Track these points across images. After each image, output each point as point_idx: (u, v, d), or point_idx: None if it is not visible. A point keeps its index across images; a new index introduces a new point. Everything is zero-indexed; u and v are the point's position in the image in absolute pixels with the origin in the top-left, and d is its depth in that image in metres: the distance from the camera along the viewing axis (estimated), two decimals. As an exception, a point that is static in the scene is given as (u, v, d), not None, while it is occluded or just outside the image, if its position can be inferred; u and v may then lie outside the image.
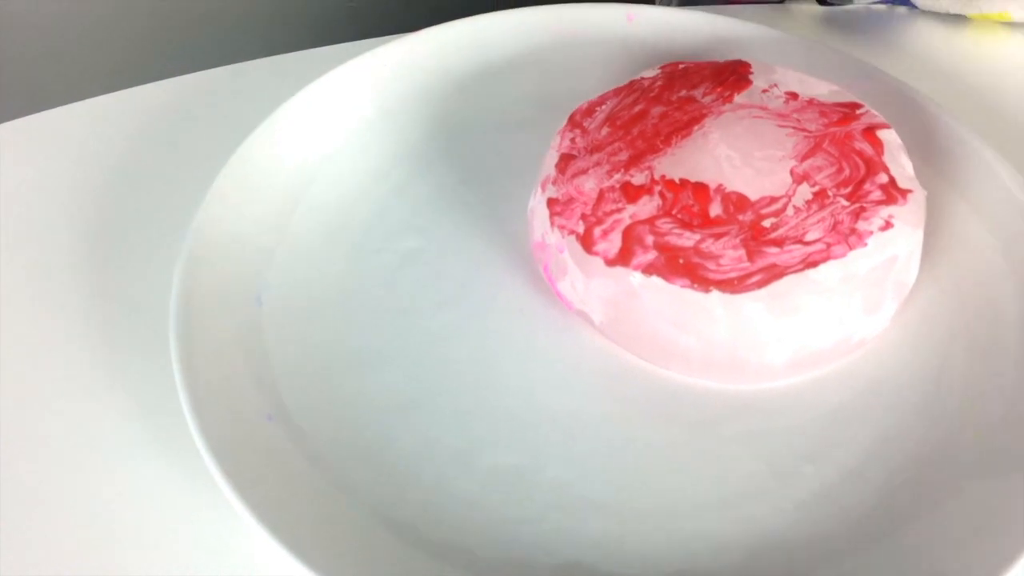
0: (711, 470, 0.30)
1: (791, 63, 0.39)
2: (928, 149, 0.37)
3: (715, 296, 0.30)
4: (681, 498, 0.30)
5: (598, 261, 0.31)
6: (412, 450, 0.30)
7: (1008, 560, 0.26)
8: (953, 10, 0.45)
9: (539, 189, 0.34)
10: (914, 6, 0.45)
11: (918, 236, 0.32)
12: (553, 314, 0.34)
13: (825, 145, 0.33)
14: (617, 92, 0.36)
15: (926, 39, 0.46)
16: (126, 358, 0.33)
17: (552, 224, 0.32)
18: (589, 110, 0.35)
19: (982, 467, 0.29)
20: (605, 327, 0.32)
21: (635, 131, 0.34)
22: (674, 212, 0.31)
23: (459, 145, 0.39)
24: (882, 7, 0.46)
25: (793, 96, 0.35)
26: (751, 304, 0.30)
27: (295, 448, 0.30)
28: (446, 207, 0.37)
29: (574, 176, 0.33)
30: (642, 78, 0.36)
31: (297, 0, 0.79)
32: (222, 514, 0.28)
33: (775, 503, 0.29)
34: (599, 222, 0.31)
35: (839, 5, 0.45)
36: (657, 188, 0.32)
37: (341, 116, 0.39)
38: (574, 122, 0.35)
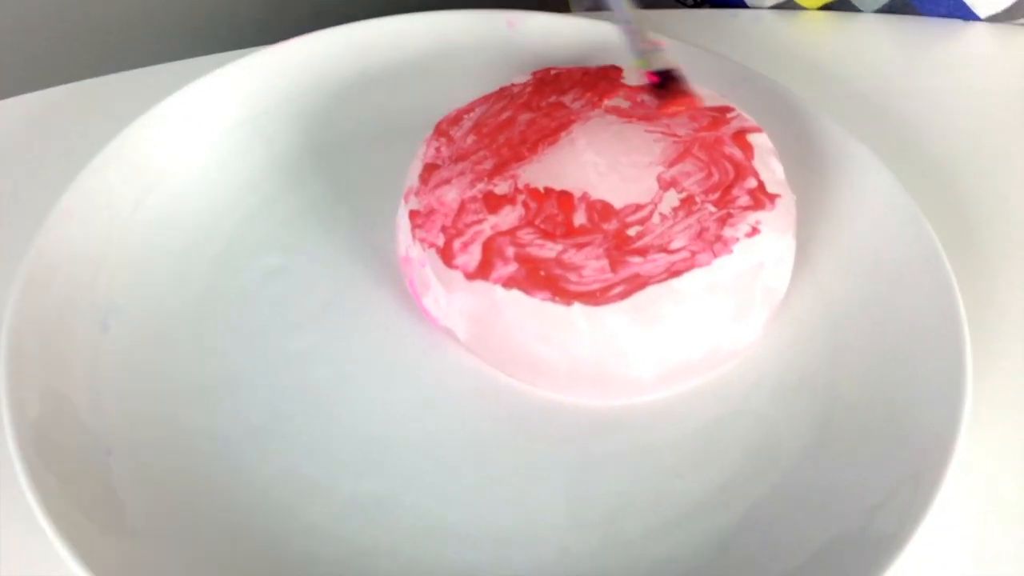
0: (580, 491, 0.29)
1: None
2: (803, 152, 0.36)
3: (577, 309, 0.28)
4: (548, 521, 0.28)
5: (458, 275, 0.29)
6: (263, 480, 0.29)
7: (875, 571, 0.25)
8: None
9: (402, 201, 0.32)
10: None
11: (787, 241, 0.31)
12: (419, 331, 0.32)
13: (694, 150, 0.32)
14: (486, 99, 0.35)
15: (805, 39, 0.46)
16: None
17: (414, 237, 0.31)
18: (456, 118, 0.34)
19: (854, 477, 0.29)
20: (470, 343, 0.31)
21: (501, 139, 0.33)
22: (537, 222, 0.30)
23: (333, 158, 0.38)
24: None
25: (664, 101, 0.34)
26: (614, 317, 0.29)
27: (134, 484, 0.28)
28: (315, 222, 0.36)
29: (437, 186, 0.32)
30: (512, 84, 0.35)
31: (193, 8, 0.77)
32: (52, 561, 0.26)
33: (645, 521, 0.28)
34: (459, 234, 0.30)
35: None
36: (520, 197, 0.31)
37: (206, 128, 0.37)
38: (440, 130, 0.34)
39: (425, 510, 0.28)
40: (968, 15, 0.46)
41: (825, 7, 0.46)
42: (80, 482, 0.27)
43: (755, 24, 0.46)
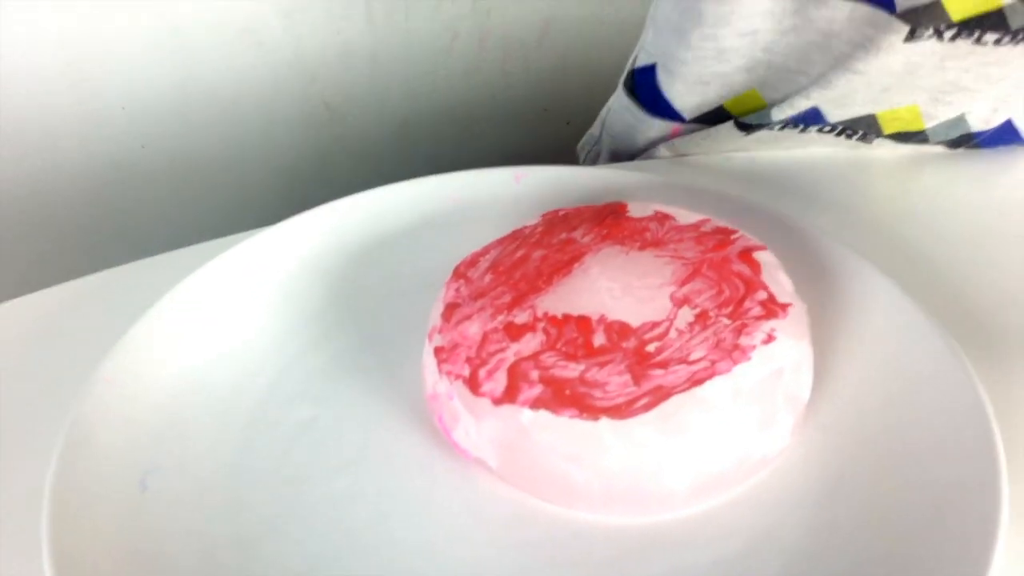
0: (624, 611, 0.28)
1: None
2: (812, 272, 0.37)
3: (604, 424, 0.29)
4: (593, 644, 0.28)
5: (485, 402, 0.30)
6: (305, 623, 0.28)
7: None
8: (865, 111, 0.47)
9: (427, 341, 0.34)
10: (826, 122, 0.47)
11: (803, 347, 0.32)
12: (452, 465, 0.33)
13: (703, 270, 0.34)
14: (500, 242, 0.37)
15: (824, 178, 0.48)
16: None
17: (440, 371, 0.32)
18: (473, 260, 0.36)
19: None
20: (502, 471, 0.31)
21: (517, 275, 0.34)
22: (558, 346, 0.31)
23: (357, 313, 0.39)
24: (795, 129, 0.48)
25: (670, 229, 0.36)
26: (641, 428, 0.29)
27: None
28: (343, 374, 0.37)
29: (459, 323, 0.33)
30: (524, 227, 0.37)
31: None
32: None
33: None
34: (483, 363, 0.31)
35: (759, 126, 0.47)
36: (540, 325, 0.32)
37: (235, 295, 0.39)
38: (458, 273, 0.35)
39: (470, 642, 0.28)
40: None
41: (894, 136, 0.48)
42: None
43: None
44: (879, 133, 0.47)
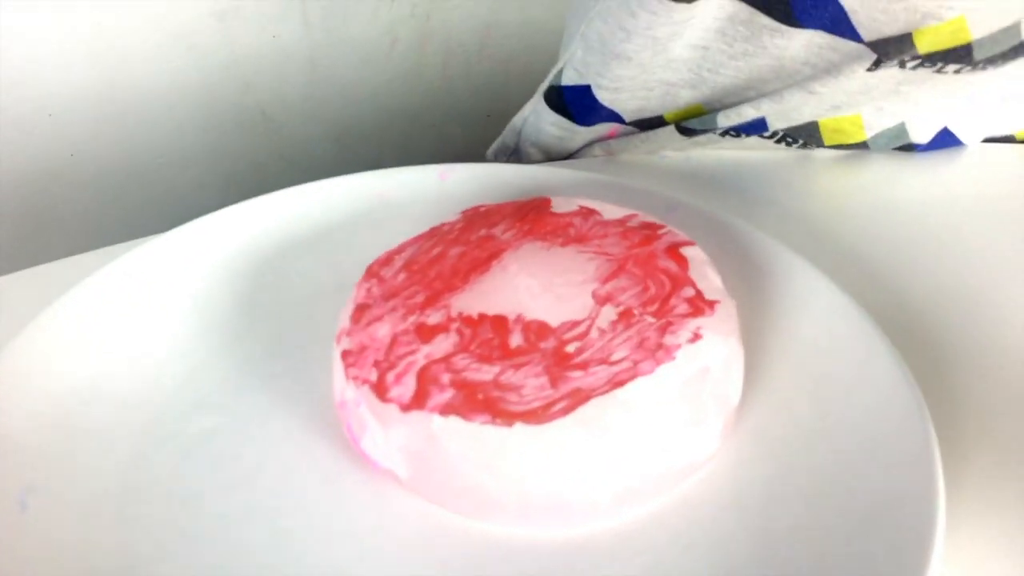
0: (540, 631, 0.26)
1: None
2: (743, 270, 0.36)
3: (519, 430, 0.27)
4: (506, 668, 0.25)
5: (393, 408, 0.28)
6: (191, 653, 0.26)
7: None
8: (805, 118, 0.45)
9: (335, 344, 0.31)
10: (767, 130, 0.45)
11: (731, 345, 0.30)
12: (360, 478, 0.30)
13: (628, 266, 0.32)
14: (417, 239, 0.34)
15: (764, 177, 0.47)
16: None
17: (347, 376, 0.30)
18: (387, 259, 0.34)
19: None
20: (413, 482, 0.29)
21: (432, 273, 0.32)
22: (472, 347, 0.29)
23: (269, 318, 0.37)
24: (736, 138, 0.46)
25: (595, 224, 0.34)
26: (559, 434, 0.27)
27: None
28: (249, 381, 0.34)
29: (368, 324, 0.31)
30: (443, 224, 0.35)
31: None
32: None
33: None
34: (392, 367, 0.29)
35: (702, 131, 0.45)
36: (454, 325, 0.30)
37: (129, 304, 0.36)
38: (371, 272, 0.33)
39: (372, 670, 0.25)
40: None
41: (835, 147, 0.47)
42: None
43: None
44: (820, 144, 0.46)
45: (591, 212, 0.34)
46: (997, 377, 0.35)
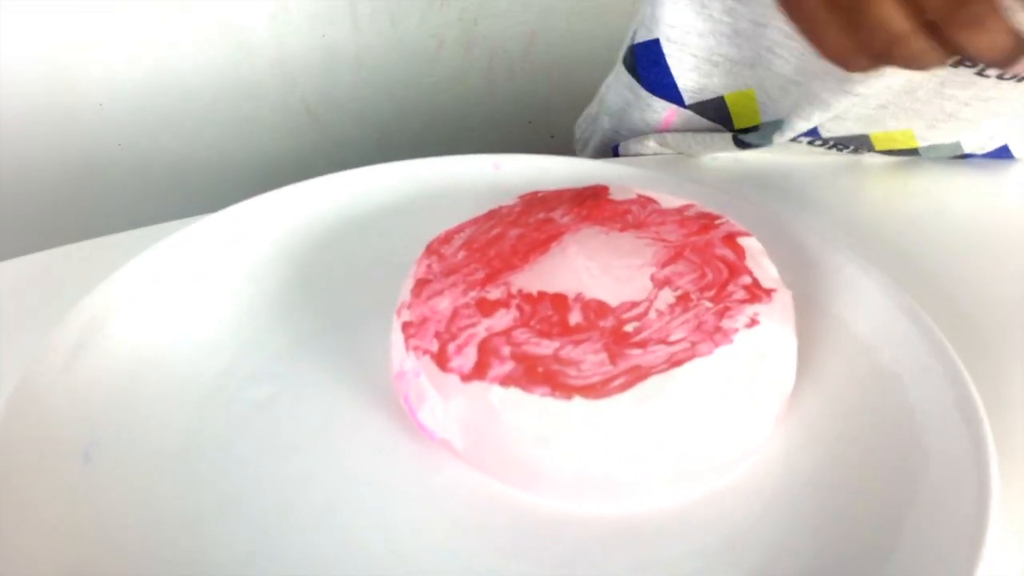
0: (591, 602, 0.27)
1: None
2: (799, 264, 0.36)
3: (578, 403, 0.27)
4: (558, 635, 0.26)
5: (454, 378, 0.29)
6: (250, 605, 0.26)
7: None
8: (858, 130, 0.46)
9: (395, 316, 0.32)
10: (819, 136, 0.46)
11: (786, 333, 0.30)
12: (415, 448, 0.31)
13: (686, 253, 0.32)
14: (475, 221, 0.35)
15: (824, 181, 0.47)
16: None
17: (407, 347, 0.30)
18: (446, 238, 0.34)
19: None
20: (468, 453, 0.29)
21: (492, 252, 0.33)
22: (532, 323, 0.30)
23: (325, 294, 0.38)
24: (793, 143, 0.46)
25: (652, 212, 0.34)
26: (617, 409, 0.27)
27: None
28: (305, 354, 0.35)
29: (429, 298, 0.31)
30: (501, 207, 0.36)
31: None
32: None
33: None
34: (453, 338, 0.29)
35: (757, 146, 0.46)
36: (514, 301, 0.30)
37: (193, 273, 0.37)
38: (431, 250, 0.34)
39: (426, 630, 0.26)
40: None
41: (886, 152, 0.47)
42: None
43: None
44: (871, 149, 0.46)
45: (649, 200, 0.35)
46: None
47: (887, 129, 0.45)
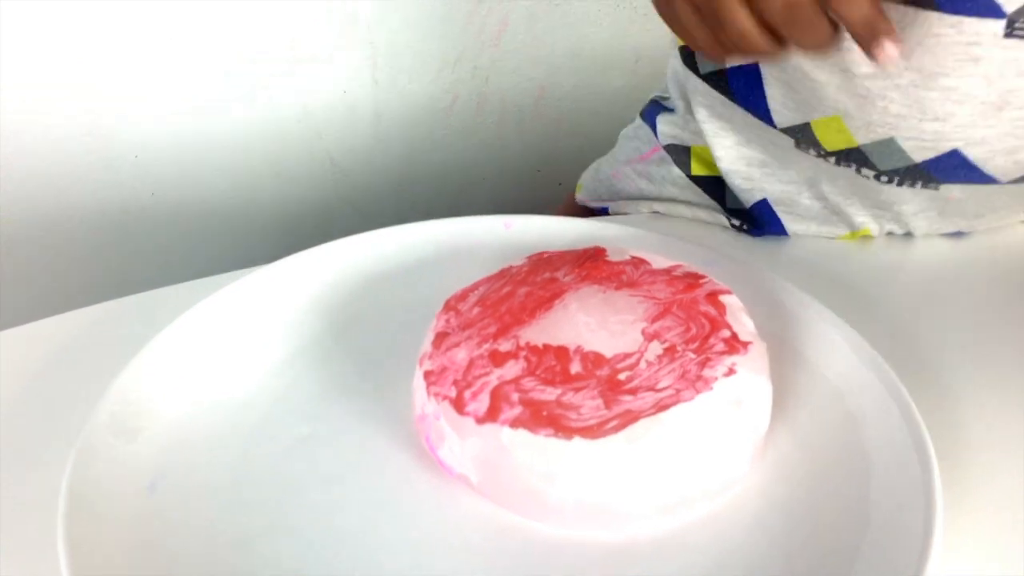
0: (589, 615, 0.31)
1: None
2: (774, 316, 0.41)
3: (577, 443, 0.32)
4: (560, 643, 0.30)
5: (470, 421, 0.33)
6: (295, 617, 0.31)
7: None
8: (824, 235, 0.51)
9: (418, 366, 0.36)
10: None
11: (761, 381, 0.35)
12: (436, 482, 0.35)
13: (673, 309, 0.37)
14: (488, 279, 0.40)
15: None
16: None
17: (428, 393, 0.35)
18: (463, 295, 0.39)
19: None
20: (483, 487, 0.34)
21: (503, 308, 0.37)
22: (538, 372, 0.34)
23: (354, 343, 0.42)
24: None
25: (644, 272, 0.39)
26: (611, 448, 0.32)
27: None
28: (338, 396, 0.39)
29: (448, 349, 0.36)
30: (511, 266, 0.40)
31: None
32: None
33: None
34: (469, 385, 0.34)
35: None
36: (522, 353, 0.35)
37: (239, 323, 0.41)
38: (449, 306, 0.38)
39: (446, 638, 0.30)
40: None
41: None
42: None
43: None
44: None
45: (641, 262, 0.40)
46: (996, 414, 0.39)
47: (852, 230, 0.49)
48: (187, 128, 0.78)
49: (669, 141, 0.54)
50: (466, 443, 0.33)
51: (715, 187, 0.53)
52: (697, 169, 0.54)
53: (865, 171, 0.46)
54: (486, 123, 0.87)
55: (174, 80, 0.75)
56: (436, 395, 0.34)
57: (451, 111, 0.85)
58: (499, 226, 0.47)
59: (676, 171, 0.54)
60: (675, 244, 0.44)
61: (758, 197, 0.51)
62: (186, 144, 0.79)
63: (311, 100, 0.81)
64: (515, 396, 0.33)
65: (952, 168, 0.44)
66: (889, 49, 0.34)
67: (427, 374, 0.35)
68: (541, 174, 0.91)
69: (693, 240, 0.46)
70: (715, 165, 0.52)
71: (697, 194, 0.53)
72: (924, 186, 0.46)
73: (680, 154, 0.54)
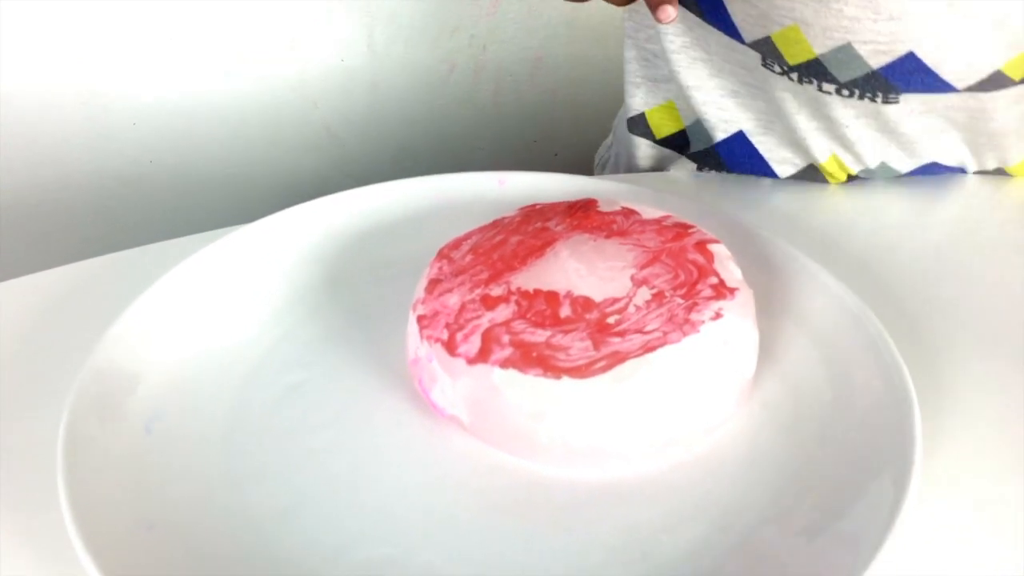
0: (575, 546, 0.32)
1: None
2: (761, 267, 0.41)
3: (566, 382, 0.32)
4: (549, 572, 0.31)
5: (461, 362, 0.34)
6: (289, 551, 0.31)
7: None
8: (799, 164, 0.52)
9: (411, 311, 0.37)
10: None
11: (747, 326, 0.35)
12: (428, 423, 0.36)
13: (662, 257, 0.37)
14: (481, 229, 0.40)
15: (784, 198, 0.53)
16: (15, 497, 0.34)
17: (421, 336, 0.35)
18: (455, 244, 0.39)
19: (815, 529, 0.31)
20: (474, 427, 0.35)
21: (495, 256, 0.38)
22: (528, 315, 0.35)
23: (348, 293, 0.43)
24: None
25: (634, 222, 0.40)
26: (599, 388, 0.32)
27: (174, 553, 0.31)
28: (332, 345, 0.40)
29: (440, 295, 0.36)
30: (503, 217, 0.41)
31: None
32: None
33: (632, 570, 0.31)
34: (460, 328, 0.35)
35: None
36: (513, 297, 0.36)
37: (235, 273, 0.42)
38: (442, 254, 0.39)
39: (434, 567, 0.31)
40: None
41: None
42: (126, 550, 0.30)
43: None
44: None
45: (631, 212, 0.40)
46: (976, 360, 0.40)
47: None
48: (185, 96, 0.79)
49: (632, 114, 0.56)
50: (457, 384, 0.34)
51: (680, 140, 0.55)
52: (661, 131, 0.55)
53: (826, 86, 0.47)
54: (483, 92, 0.87)
55: (172, 48, 0.76)
56: (429, 338, 0.35)
57: (448, 80, 0.85)
58: (493, 182, 0.47)
59: (644, 143, 0.55)
60: (667, 197, 0.45)
61: (733, 129, 0.52)
62: (184, 112, 0.80)
63: (308, 68, 0.81)
64: (506, 338, 0.34)
65: (909, 73, 0.45)
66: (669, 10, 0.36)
67: (420, 318, 0.36)
68: (538, 143, 0.92)
69: (687, 196, 0.46)
70: (677, 116, 0.53)
71: (669, 156, 0.55)
72: (885, 100, 0.47)
73: (640, 126, 0.56)
